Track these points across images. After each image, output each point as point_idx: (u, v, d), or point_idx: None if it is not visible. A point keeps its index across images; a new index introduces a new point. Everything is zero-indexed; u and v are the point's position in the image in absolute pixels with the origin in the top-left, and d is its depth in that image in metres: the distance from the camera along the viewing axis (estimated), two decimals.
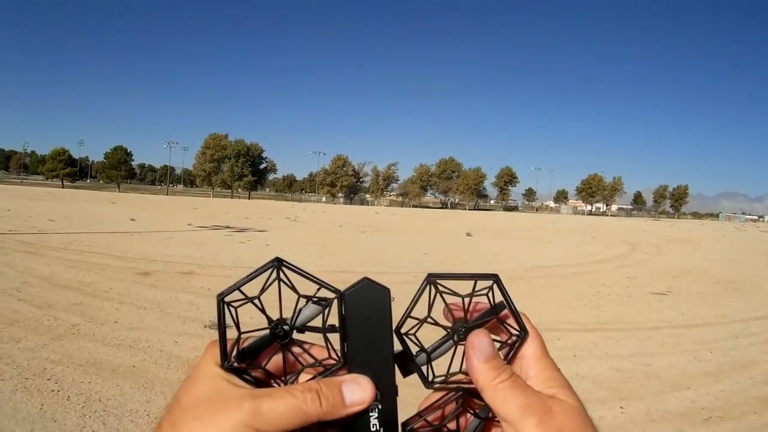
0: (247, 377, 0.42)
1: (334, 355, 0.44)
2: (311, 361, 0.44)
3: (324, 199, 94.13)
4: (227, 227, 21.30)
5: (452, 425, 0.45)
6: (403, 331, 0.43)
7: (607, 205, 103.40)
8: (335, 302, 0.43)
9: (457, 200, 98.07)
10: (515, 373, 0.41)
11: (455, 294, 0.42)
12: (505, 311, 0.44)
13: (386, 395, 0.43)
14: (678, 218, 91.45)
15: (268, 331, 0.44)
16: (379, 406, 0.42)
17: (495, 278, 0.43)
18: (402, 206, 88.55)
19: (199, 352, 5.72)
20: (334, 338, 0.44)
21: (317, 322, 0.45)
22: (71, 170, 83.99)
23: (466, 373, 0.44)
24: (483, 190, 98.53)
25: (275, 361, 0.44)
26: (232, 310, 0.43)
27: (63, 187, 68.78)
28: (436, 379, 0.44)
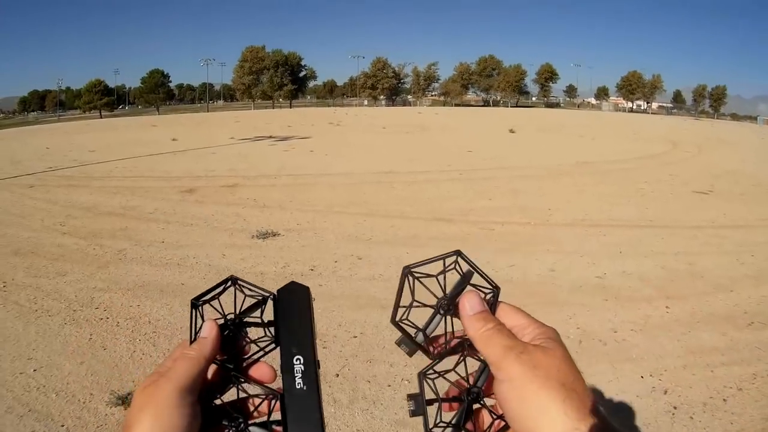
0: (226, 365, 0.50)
1: (269, 335, 0.51)
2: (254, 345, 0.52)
3: (366, 102, 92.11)
4: (270, 137, 21.03)
5: (461, 375, 0.49)
6: (397, 319, 0.47)
7: (647, 103, 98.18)
8: (270, 300, 0.51)
9: (498, 98, 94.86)
10: (501, 323, 0.46)
11: (430, 276, 0.48)
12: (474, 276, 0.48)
13: (306, 360, 0.48)
14: (717, 118, 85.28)
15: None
16: (303, 368, 0.47)
17: (457, 253, 0.48)
18: (444, 105, 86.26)
19: (247, 263, 5.05)
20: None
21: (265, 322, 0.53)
22: (108, 99, 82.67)
23: (460, 337, 0.48)
24: (524, 87, 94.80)
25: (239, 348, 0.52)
26: (200, 309, 0.51)
27: (101, 118, 69.17)
28: (436, 351, 0.49)
